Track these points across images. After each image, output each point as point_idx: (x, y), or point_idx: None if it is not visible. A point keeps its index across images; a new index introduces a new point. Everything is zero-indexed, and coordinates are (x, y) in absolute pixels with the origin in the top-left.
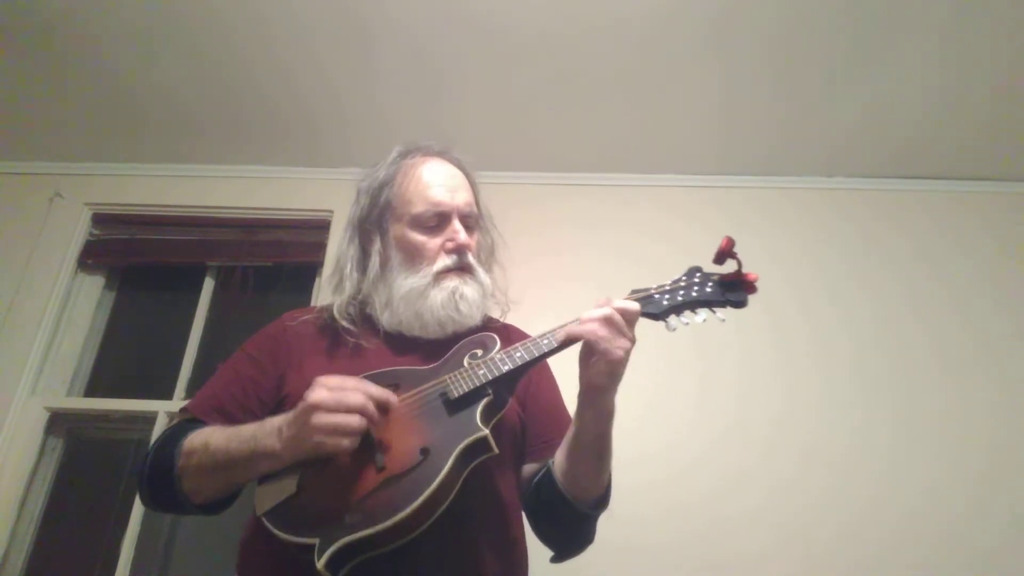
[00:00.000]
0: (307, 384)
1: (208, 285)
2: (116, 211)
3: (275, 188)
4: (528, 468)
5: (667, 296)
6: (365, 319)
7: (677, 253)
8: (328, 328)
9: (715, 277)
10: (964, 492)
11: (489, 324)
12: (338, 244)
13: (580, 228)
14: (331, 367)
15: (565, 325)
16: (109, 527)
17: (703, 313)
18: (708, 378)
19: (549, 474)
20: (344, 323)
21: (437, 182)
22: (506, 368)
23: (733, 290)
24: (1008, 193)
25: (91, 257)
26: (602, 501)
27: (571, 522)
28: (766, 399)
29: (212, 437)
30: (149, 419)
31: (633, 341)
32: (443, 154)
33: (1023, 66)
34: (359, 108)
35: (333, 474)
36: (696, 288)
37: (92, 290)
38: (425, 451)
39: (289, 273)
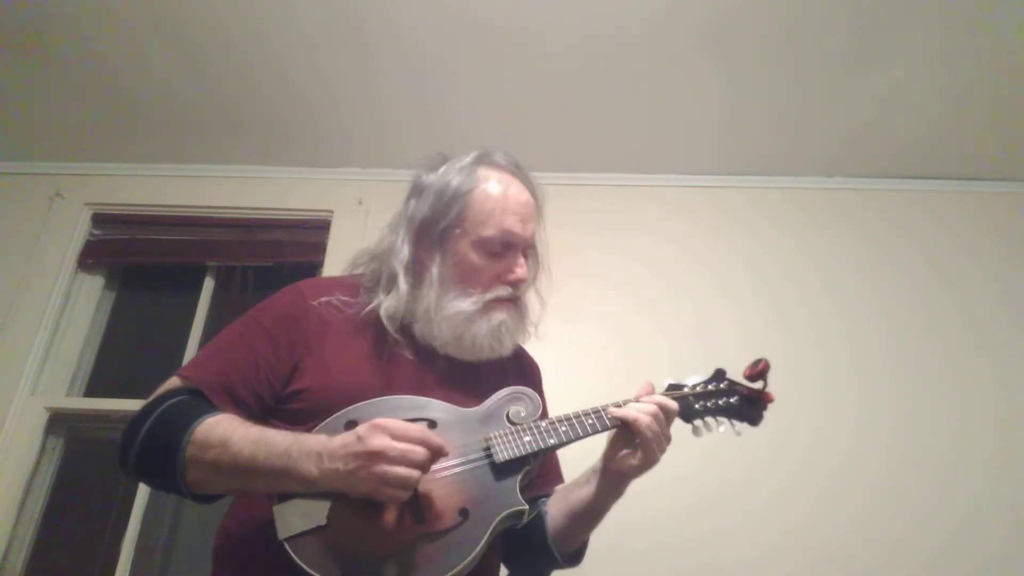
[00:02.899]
0: (330, 384)
1: (208, 285)
2: (116, 211)
3: (274, 188)
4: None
5: (699, 401)
6: (405, 327)
7: (678, 253)
8: (366, 325)
9: (741, 390)
10: (966, 494)
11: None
12: (386, 233)
13: (582, 228)
14: (359, 370)
15: (608, 407)
16: (109, 527)
17: (724, 424)
18: None
19: (542, 525)
20: (393, 331)
21: (514, 209)
22: (551, 442)
23: (752, 406)
24: (1010, 193)
25: (91, 257)
26: (579, 554)
27: (545, 567)
28: None
29: (233, 436)
30: None
31: (669, 441)
32: (519, 173)
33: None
34: (358, 108)
35: (367, 515)
36: (723, 398)
37: (92, 290)
38: (464, 512)
39: (289, 273)
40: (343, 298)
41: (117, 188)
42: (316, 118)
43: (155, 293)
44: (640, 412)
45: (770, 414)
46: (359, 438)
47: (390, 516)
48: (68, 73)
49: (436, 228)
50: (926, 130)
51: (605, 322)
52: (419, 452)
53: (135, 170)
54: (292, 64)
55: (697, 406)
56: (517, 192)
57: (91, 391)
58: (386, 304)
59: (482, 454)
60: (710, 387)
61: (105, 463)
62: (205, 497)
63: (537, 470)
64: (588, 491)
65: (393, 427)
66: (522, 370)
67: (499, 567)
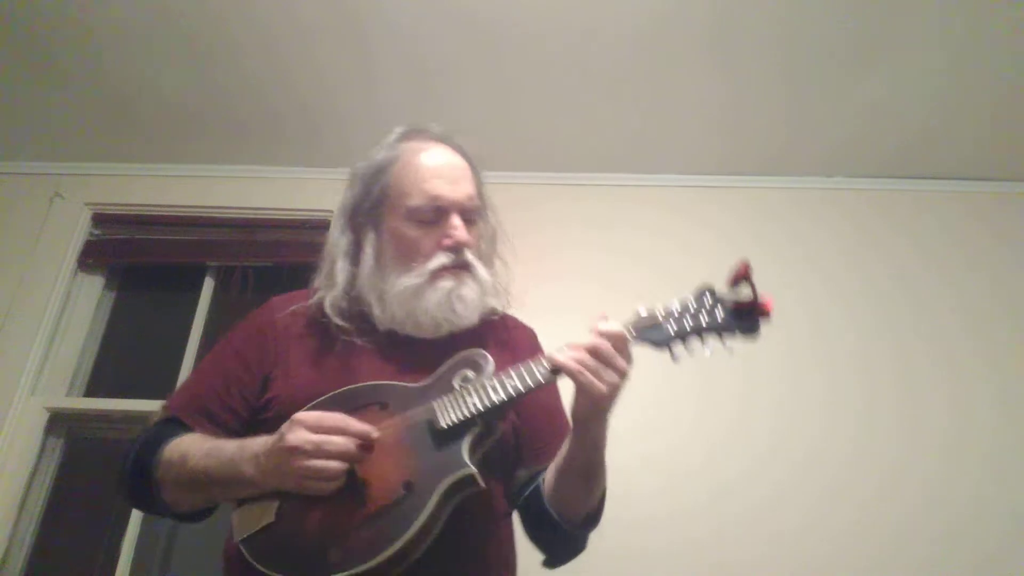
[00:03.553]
0: (294, 389)
1: (208, 285)
2: (116, 211)
3: (275, 188)
4: (521, 474)
5: (673, 323)
6: (358, 314)
7: (678, 253)
8: (318, 323)
9: (727, 303)
10: (965, 494)
11: (488, 317)
12: (330, 233)
13: (582, 228)
14: (319, 369)
15: (554, 352)
16: (109, 527)
17: (712, 342)
18: (708, 381)
19: (538, 491)
20: (337, 320)
21: (437, 173)
22: (497, 399)
23: (745, 317)
24: (1009, 193)
25: (91, 257)
26: (591, 520)
27: (557, 538)
28: (767, 401)
29: (191, 450)
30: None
31: (623, 372)
32: (445, 140)
33: (1022, 66)
34: (358, 108)
35: (313, 505)
36: (706, 314)
37: (92, 290)
38: (408, 485)
39: (289, 273)
40: (305, 304)
41: (117, 188)
42: (316, 118)
43: (155, 293)
44: (574, 347)
45: (771, 415)
46: (280, 435)
47: (334, 503)
48: (68, 73)
49: (366, 209)
50: (925, 130)
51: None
52: (336, 442)
53: (135, 170)
54: (292, 64)
55: (672, 329)
56: (439, 155)
57: (91, 391)
58: (328, 297)
59: (426, 426)
60: (690, 306)
61: (105, 463)
62: (191, 516)
63: (530, 440)
64: (567, 444)
65: (308, 420)
66: (504, 338)
67: (508, 551)
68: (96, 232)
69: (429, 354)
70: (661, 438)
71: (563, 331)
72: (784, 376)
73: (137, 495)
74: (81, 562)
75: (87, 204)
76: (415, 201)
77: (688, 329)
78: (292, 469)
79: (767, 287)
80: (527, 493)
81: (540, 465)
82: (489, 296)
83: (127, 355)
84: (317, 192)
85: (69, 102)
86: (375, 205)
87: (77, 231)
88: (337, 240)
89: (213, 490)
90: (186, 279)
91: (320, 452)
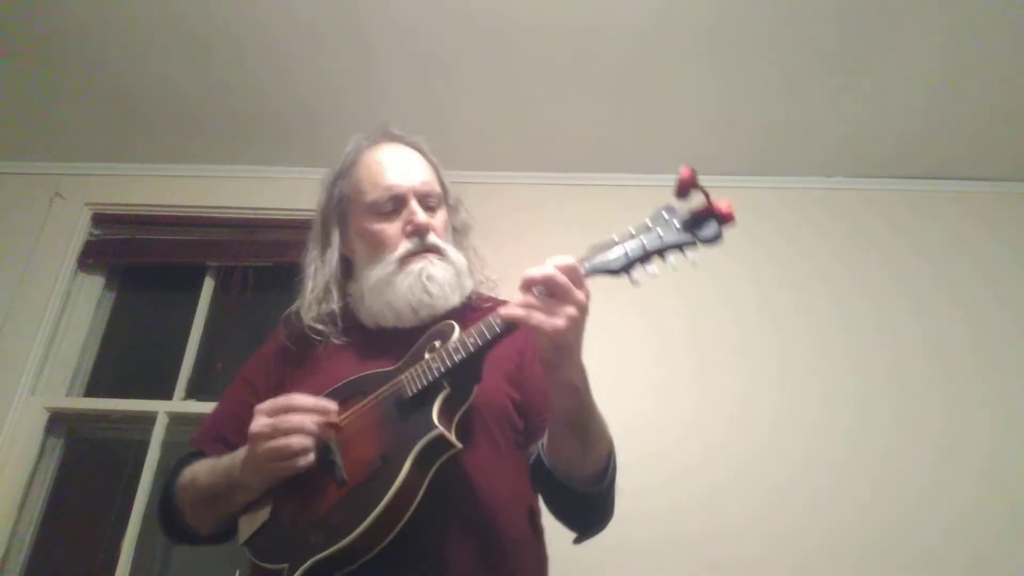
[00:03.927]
0: None
1: (208, 285)
2: (116, 211)
3: (275, 188)
4: (532, 449)
5: (628, 246)
6: (338, 315)
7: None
8: (304, 339)
9: (682, 215)
10: (963, 493)
11: (479, 303)
12: (305, 245)
13: (578, 228)
14: (308, 377)
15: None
16: (109, 527)
17: (672, 258)
18: (706, 380)
19: (539, 456)
20: (311, 324)
21: (389, 166)
22: (458, 357)
23: (704, 225)
24: (1007, 193)
25: (91, 257)
26: (599, 478)
27: (572, 502)
28: (765, 400)
29: (198, 471)
30: (149, 419)
31: (580, 304)
32: (397, 137)
33: (1021, 65)
34: (359, 108)
35: (300, 496)
36: (661, 231)
37: (92, 290)
38: (384, 458)
39: (289, 273)
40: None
41: (117, 188)
42: (317, 118)
43: (155, 293)
44: (522, 289)
45: (769, 413)
46: (248, 432)
47: (318, 488)
48: (69, 73)
49: (331, 215)
50: (923, 130)
51: (598, 323)
52: (290, 419)
53: (135, 170)
54: (293, 64)
55: (627, 253)
56: (390, 150)
57: (91, 391)
58: (304, 306)
59: (395, 399)
60: (645, 226)
61: (105, 463)
62: (216, 537)
63: (535, 416)
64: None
65: (265, 407)
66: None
67: (531, 535)
68: (96, 232)
69: (413, 341)
70: (659, 436)
71: None
72: (781, 376)
73: (169, 527)
74: (81, 562)
75: (87, 204)
76: (372, 195)
77: (646, 249)
78: (259, 457)
79: (766, 287)
80: (532, 463)
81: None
82: (464, 278)
83: (127, 355)
84: (317, 192)
85: (69, 102)
86: (339, 209)
87: (77, 231)
88: (310, 251)
89: (219, 503)
90: (186, 279)
91: (277, 431)
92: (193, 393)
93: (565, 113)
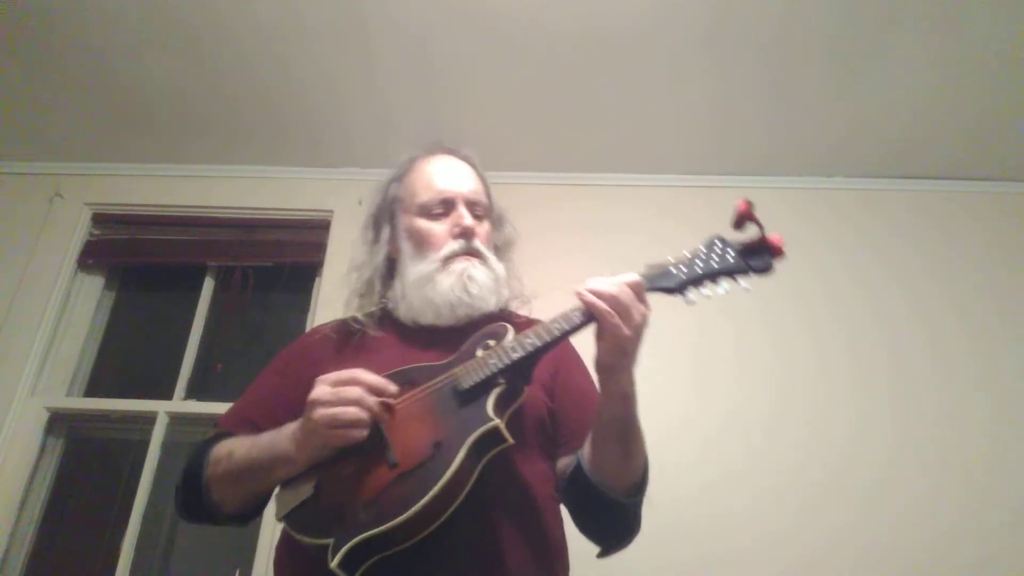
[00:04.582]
0: None
1: (208, 285)
2: (116, 211)
3: (275, 188)
4: (564, 461)
5: (684, 269)
6: (380, 311)
7: (675, 253)
8: (343, 328)
9: (736, 245)
10: (962, 490)
11: (512, 319)
12: (354, 245)
13: (577, 228)
14: (350, 365)
15: (578, 307)
16: (109, 527)
17: (725, 284)
18: (704, 377)
19: (579, 464)
20: (357, 315)
21: (442, 172)
22: (516, 356)
23: (756, 256)
24: (1006, 193)
25: (91, 257)
26: (636, 489)
27: (607, 512)
28: (763, 398)
29: (236, 446)
30: (149, 419)
31: (644, 316)
32: (452, 150)
33: (1020, 65)
34: (359, 108)
35: (348, 475)
36: (716, 258)
37: (92, 290)
38: (437, 445)
39: (289, 273)
40: (336, 320)
41: (117, 188)
42: (316, 118)
43: (155, 293)
44: (595, 287)
45: (766, 411)
46: (307, 400)
47: (369, 468)
48: (68, 73)
49: (383, 214)
50: (922, 130)
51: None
52: (352, 390)
53: (135, 170)
54: (293, 63)
55: (684, 275)
56: (444, 160)
57: (91, 391)
58: (355, 297)
59: (451, 390)
60: (700, 253)
61: (105, 463)
62: (242, 517)
63: (567, 423)
64: (598, 404)
65: (328, 377)
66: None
67: (557, 536)
68: (96, 232)
69: (449, 340)
70: (656, 432)
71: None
72: (778, 374)
73: (189, 503)
74: (81, 562)
75: (87, 204)
76: (424, 197)
77: (700, 273)
78: (316, 422)
79: (761, 287)
80: (571, 472)
81: (578, 448)
82: (502, 286)
83: (127, 355)
84: (318, 192)
85: (69, 102)
86: (390, 209)
87: (77, 231)
88: (359, 248)
89: (256, 477)
90: (186, 279)
91: (339, 400)
92: (193, 393)
93: (564, 113)
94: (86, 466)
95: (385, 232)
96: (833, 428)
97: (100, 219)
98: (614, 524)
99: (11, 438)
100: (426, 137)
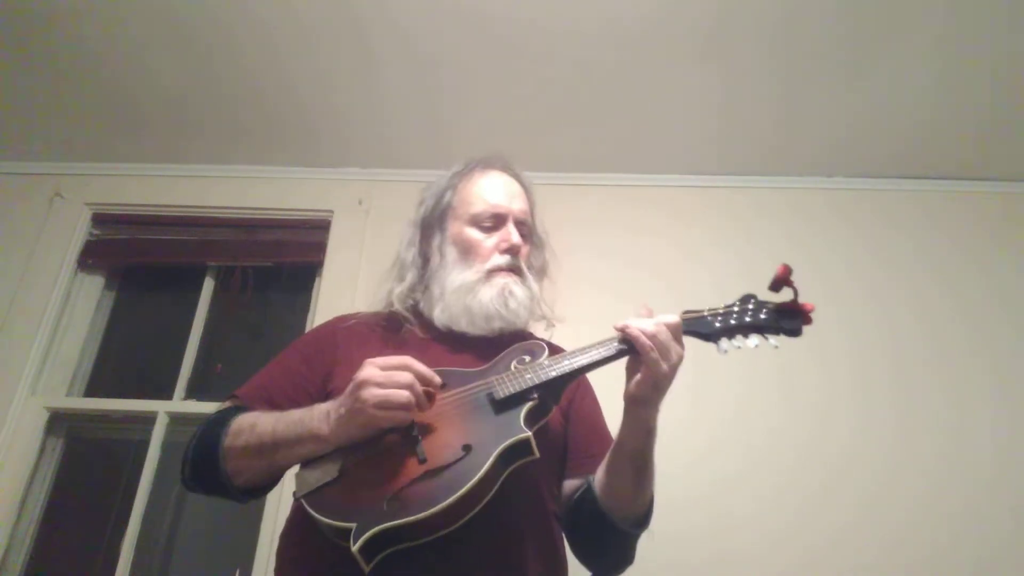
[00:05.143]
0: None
1: (208, 285)
2: (116, 211)
3: (275, 188)
4: (569, 484)
5: (720, 319)
6: (418, 315)
7: (674, 253)
8: (380, 323)
9: (770, 305)
10: (964, 492)
11: (536, 328)
12: (399, 243)
13: (578, 228)
14: (382, 354)
15: (614, 338)
16: (109, 527)
17: (755, 339)
18: (704, 377)
19: (590, 489)
20: (401, 309)
21: (497, 187)
22: (552, 375)
23: (788, 318)
24: (1009, 193)
25: (91, 257)
26: (642, 521)
27: (608, 539)
28: (763, 399)
29: (260, 419)
30: (149, 419)
31: (680, 356)
32: (508, 168)
33: (1022, 65)
34: (358, 108)
35: (375, 463)
36: (750, 314)
37: (92, 290)
38: (467, 447)
39: (289, 273)
40: (368, 313)
41: (117, 188)
42: (316, 118)
43: (155, 293)
44: (637, 325)
45: (767, 412)
46: (353, 380)
47: (396, 460)
48: (68, 73)
49: (435, 217)
50: (924, 130)
51: (599, 324)
52: (404, 375)
53: (135, 170)
54: (293, 63)
55: (718, 324)
56: (500, 176)
57: (91, 391)
58: (397, 289)
59: (485, 397)
60: (734, 307)
61: (105, 463)
62: (252, 491)
63: (576, 449)
64: (619, 432)
65: (378, 361)
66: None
67: (558, 549)
68: (96, 232)
69: (482, 350)
70: (659, 434)
71: (556, 332)
72: (781, 374)
73: (200, 471)
74: (81, 562)
75: (87, 204)
76: (476, 208)
77: (734, 325)
78: (363, 401)
79: (763, 287)
80: (578, 496)
81: (587, 473)
82: (536, 306)
83: (127, 355)
84: (317, 192)
85: (69, 102)
86: (442, 215)
87: (77, 231)
88: (407, 247)
89: (280, 452)
90: (186, 279)
91: (391, 382)
92: (193, 393)
93: (565, 113)
94: (86, 466)
95: (435, 238)
96: (834, 428)
97: (100, 219)
98: (613, 551)
99: (11, 438)
100: (426, 137)
